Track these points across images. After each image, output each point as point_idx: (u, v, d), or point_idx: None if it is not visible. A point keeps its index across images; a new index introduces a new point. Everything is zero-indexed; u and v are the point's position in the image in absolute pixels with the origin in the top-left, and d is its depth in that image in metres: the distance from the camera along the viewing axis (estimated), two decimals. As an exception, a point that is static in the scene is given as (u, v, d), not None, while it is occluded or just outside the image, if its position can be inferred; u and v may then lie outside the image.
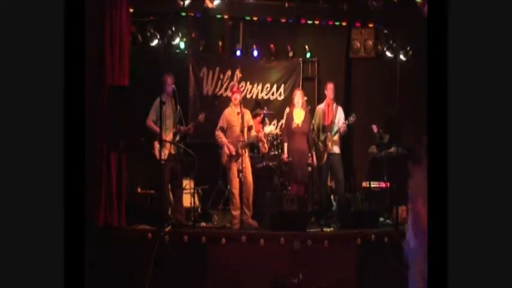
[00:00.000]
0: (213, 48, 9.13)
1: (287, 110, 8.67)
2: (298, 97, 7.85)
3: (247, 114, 7.38)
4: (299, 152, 7.71)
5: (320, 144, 7.79)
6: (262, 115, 8.41)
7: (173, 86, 7.21)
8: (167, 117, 7.11)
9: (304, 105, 7.85)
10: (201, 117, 7.43)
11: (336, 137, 7.83)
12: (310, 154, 7.75)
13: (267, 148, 7.91)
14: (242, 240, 6.49)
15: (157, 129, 6.80)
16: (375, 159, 8.29)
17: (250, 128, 7.26)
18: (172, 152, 7.24)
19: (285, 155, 7.74)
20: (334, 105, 8.01)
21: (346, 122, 7.76)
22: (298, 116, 7.83)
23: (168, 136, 7.15)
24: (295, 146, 7.75)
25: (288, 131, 7.87)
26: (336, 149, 7.85)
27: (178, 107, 7.32)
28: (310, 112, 7.95)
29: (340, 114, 7.96)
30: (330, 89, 7.98)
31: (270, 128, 8.42)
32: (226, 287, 6.27)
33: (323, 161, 7.77)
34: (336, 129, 7.81)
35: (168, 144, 7.12)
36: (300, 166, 7.71)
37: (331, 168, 7.88)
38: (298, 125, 7.77)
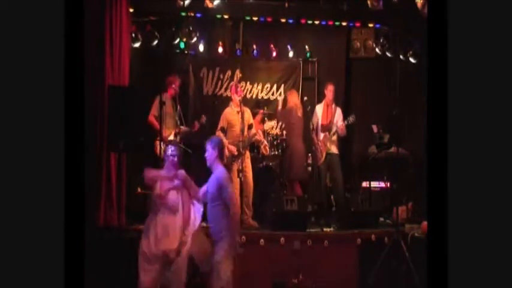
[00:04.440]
0: (213, 48, 9.14)
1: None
2: (290, 98, 7.98)
3: (247, 113, 7.37)
4: (295, 151, 7.74)
5: (318, 144, 7.79)
6: (261, 114, 8.46)
7: (177, 86, 7.32)
8: (168, 116, 7.15)
9: (297, 106, 7.92)
10: (203, 118, 7.43)
11: (334, 137, 7.85)
12: (309, 154, 7.75)
13: (268, 150, 7.96)
14: (242, 240, 6.49)
15: (158, 126, 6.86)
16: (374, 159, 8.29)
17: (250, 127, 7.26)
18: (174, 151, 7.27)
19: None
20: (333, 105, 8.01)
21: (346, 122, 7.76)
22: None
23: (169, 135, 7.19)
24: (290, 146, 7.82)
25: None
26: (334, 149, 7.86)
27: (178, 106, 7.35)
28: (311, 112, 7.94)
29: (338, 115, 7.96)
30: (330, 91, 7.98)
31: (271, 124, 8.44)
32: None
33: (321, 161, 7.77)
34: (334, 129, 7.81)
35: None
36: (296, 165, 7.74)
37: (330, 168, 7.88)
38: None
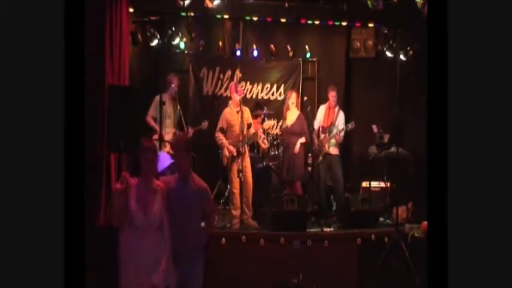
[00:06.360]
0: (213, 48, 9.15)
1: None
2: (293, 99, 7.94)
3: (247, 112, 7.37)
4: (291, 151, 7.75)
5: (317, 144, 7.79)
6: (262, 116, 8.46)
7: (176, 86, 7.30)
8: (167, 116, 7.15)
9: (297, 107, 7.92)
10: (204, 124, 7.40)
11: (333, 140, 7.84)
12: (309, 154, 7.74)
13: (267, 143, 7.95)
14: (242, 240, 6.50)
15: (156, 127, 6.85)
16: (374, 159, 8.29)
17: (249, 126, 7.26)
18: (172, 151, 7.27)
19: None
20: (336, 108, 8.01)
21: (344, 128, 7.77)
22: (290, 117, 7.95)
23: (168, 136, 7.17)
24: (286, 146, 7.82)
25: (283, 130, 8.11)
26: (334, 150, 7.85)
27: (179, 107, 7.35)
28: (311, 112, 7.95)
29: (341, 118, 7.95)
30: (332, 96, 7.97)
31: (271, 124, 8.42)
32: (227, 287, 6.26)
33: (318, 161, 7.77)
34: (334, 131, 7.80)
35: (167, 144, 7.14)
36: (295, 165, 7.75)
37: (330, 169, 7.88)
38: (287, 125, 7.90)
